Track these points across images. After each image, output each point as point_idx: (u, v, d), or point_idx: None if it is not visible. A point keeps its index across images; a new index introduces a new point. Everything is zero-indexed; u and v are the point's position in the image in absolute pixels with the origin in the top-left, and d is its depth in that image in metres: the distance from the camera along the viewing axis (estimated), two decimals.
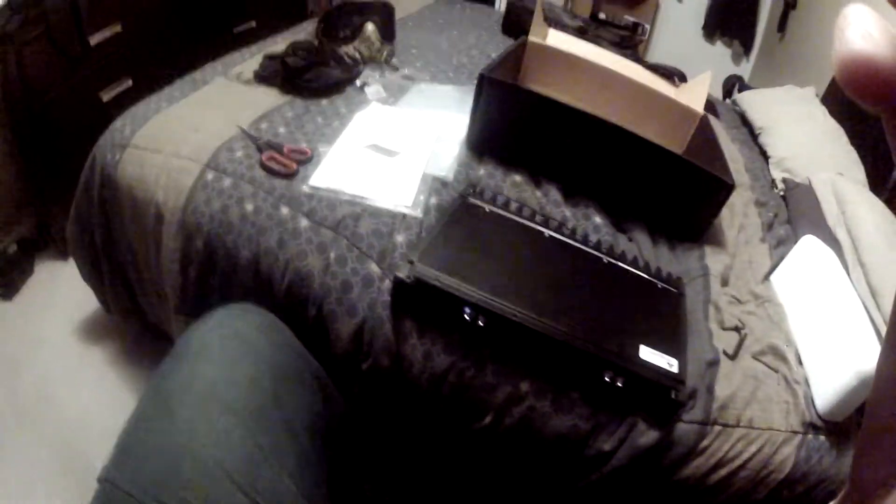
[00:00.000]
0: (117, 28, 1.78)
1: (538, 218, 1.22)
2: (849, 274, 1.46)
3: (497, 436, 1.07)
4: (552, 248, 1.15)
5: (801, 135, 2.03)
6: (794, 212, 1.68)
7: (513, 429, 1.05)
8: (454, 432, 1.10)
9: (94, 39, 1.72)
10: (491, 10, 2.62)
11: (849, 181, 1.74)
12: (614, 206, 1.35)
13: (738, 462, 1.12)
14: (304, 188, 1.19)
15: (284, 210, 1.17)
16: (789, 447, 1.18)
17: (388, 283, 1.06)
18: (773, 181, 1.89)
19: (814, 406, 1.21)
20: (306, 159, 1.27)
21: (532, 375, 1.04)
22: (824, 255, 1.35)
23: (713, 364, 1.12)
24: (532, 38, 1.43)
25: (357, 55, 1.58)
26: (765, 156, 2.03)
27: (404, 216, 1.15)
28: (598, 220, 1.31)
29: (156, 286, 1.33)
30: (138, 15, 1.84)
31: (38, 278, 1.74)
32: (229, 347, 0.67)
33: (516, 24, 2.17)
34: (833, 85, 2.26)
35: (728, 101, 2.63)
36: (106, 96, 1.79)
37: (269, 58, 1.57)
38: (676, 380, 0.99)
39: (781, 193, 1.83)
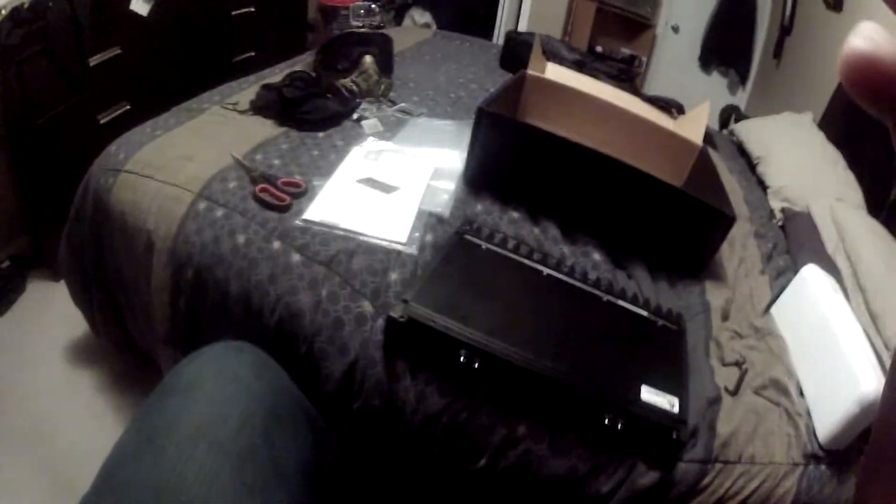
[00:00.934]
0: (117, 51, 1.79)
1: (536, 255, 1.20)
2: (849, 300, 1.45)
3: (493, 478, 1.05)
4: (550, 287, 1.13)
5: (798, 162, 2.03)
6: (794, 241, 1.68)
7: (509, 471, 1.03)
8: (449, 474, 1.08)
9: (94, 61, 1.73)
10: (489, 45, 2.61)
11: (847, 206, 1.74)
12: (613, 242, 1.34)
13: (739, 498, 1.10)
14: (298, 222, 1.18)
15: (276, 244, 1.15)
16: (791, 480, 1.16)
17: (381, 323, 1.05)
18: (771, 211, 1.88)
19: (815, 437, 1.20)
20: (300, 192, 1.25)
21: (529, 418, 1.02)
22: (824, 283, 1.34)
23: (715, 402, 1.10)
24: (531, 71, 1.43)
25: (355, 88, 1.57)
26: (763, 185, 2.02)
27: (399, 253, 1.13)
28: (597, 256, 1.30)
29: (145, 314, 1.31)
30: (138, 39, 1.85)
31: (30, 297, 1.73)
32: (222, 385, 0.66)
33: (515, 57, 2.15)
34: (830, 109, 2.26)
35: (725, 131, 2.63)
36: (103, 119, 1.80)
37: (266, 88, 1.57)
38: (678, 420, 0.97)
39: (780, 223, 1.83)
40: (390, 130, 1.52)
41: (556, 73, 1.63)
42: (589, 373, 0.97)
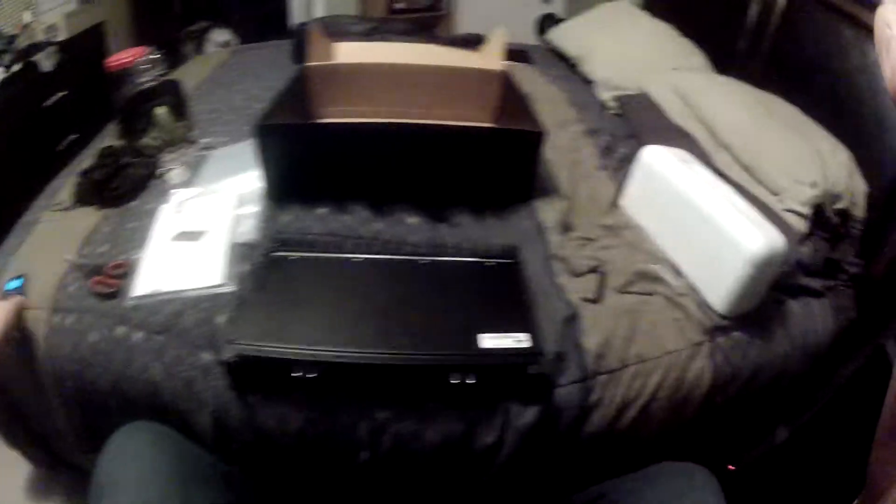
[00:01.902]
0: None
1: (349, 244, 1.16)
2: (711, 163, 1.42)
3: (382, 465, 1.02)
4: (365, 272, 1.10)
5: (622, 49, 2.00)
6: (635, 124, 1.65)
7: (392, 454, 1.00)
8: (344, 475, 1.05)
9: None
10: (284, 43, 2.40)
11: (686, 73, 1.71)
12: (429, 200, 1.29)
13: (643, 398, 1.08)
14: (129, 302, 1.15)
15: (120, 329, 1.12)
16: (699, 360, 1.14)
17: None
18: (602, 104, 1.84)
19: (711, 309, 1.17)
20: (126, 272, 1.22)
21: (384, 403, 0.99)
22: (668, 158, 1.30)
23: (571, 319, 1.07)
24: (310, 63, 1.38)
25: (156, 143, 1.53)
26: (589, 84, 1.98)
27: (218, 295, 1.10)
28: (412, 220, 1.24)
29: (58, 433, 1.29)
30: None
31: None
32: (132, 473, 0.72)
33: (303, 49, 2.03)
34: None
35: (541, 43, 2.58)
36: None
37: (82, 174, 1.52)
38: (530, 353, 0.94)
39: (616, 112, 1.79)
40: (196, 173, 1.47)
41: (346, 51, 1.58)
42: (422, 342, 0.93)
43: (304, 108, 1.35)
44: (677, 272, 1.22)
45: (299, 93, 1.35)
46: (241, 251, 1.17)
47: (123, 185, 1.40)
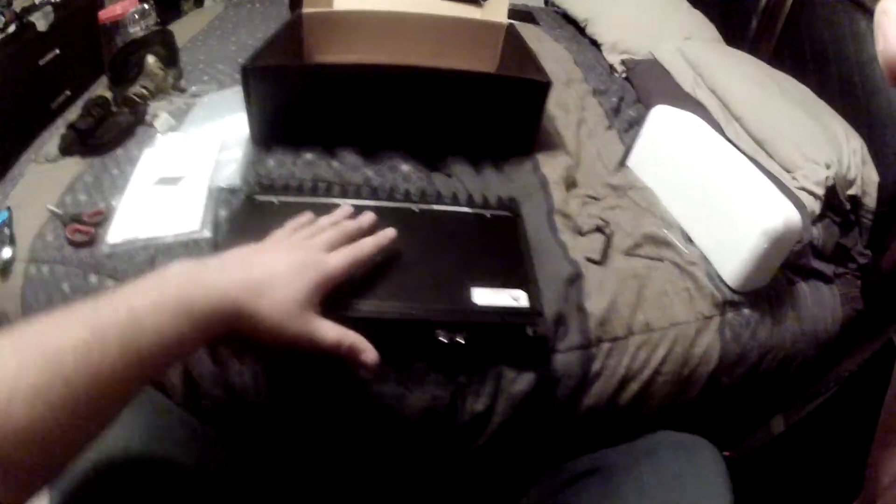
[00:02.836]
0: None
1: (335, 189, 1.07)
2: (723, 133, 1.35)
3: (362, 430, 0.94)
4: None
5: (631, 14, 1.92)
6: (643, 89, 1.56)
7: (373, 418, 0.91)
8: (320, 438, 0.97)
9: None
10: None
11: (698, 43, 1.63)
12: (425, 148, 1.20)
13: (648, 371, 1.00)
14: (104, 249, 1.09)
15: (93, 279, 1.05)
16: (708, 335, 1.06)
17: None
18: (611, 67, 1.77)
19: (723, 282, 1.10)
20: (102, 219, 1.16)
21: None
22: (684, 119, 1.22)
23: (575, 279, 0.98)
24: (307, 9, 1.31)
25: (144, 92, 1.46)
26: (597, 46, 1.91)
27: (196, 242, 1.02)
28: (405, 168, 1.15)
29: None
30: None
31: None
32: None
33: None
34: None
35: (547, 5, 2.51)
36: None
37: (70, 127, 1.47)
38: (528, 313, 0.83)
39: (624, 76, 1.71)
40: (182, 120, 1.39)
41: None
42: (408, 294, 0.83)
43: (295, 52, 1.28)
44: (688, 239, 1.15)
45: (292, 37, 1.28)
46: (222, 196, 1.10)
47: (108, 134, 1.34)
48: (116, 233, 1.10)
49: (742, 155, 1.15)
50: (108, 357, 0.49)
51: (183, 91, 1.51)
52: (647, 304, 1.02)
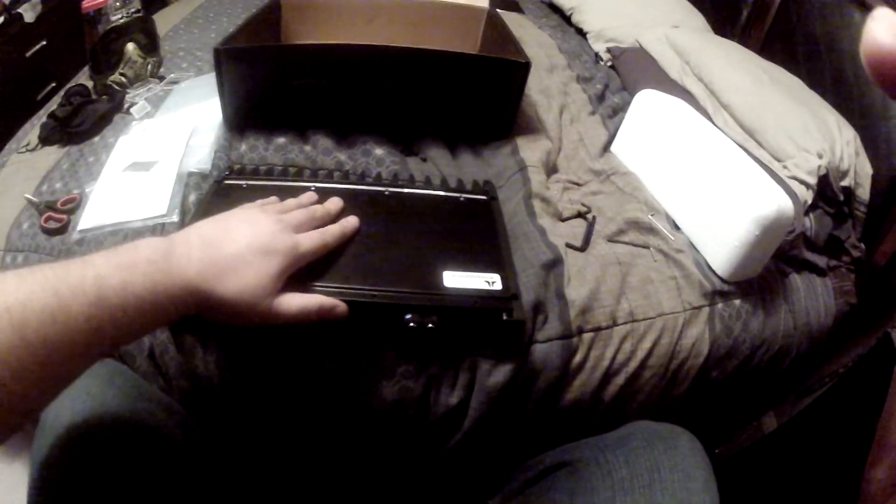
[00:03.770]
0: None
1: (306, 173, 1.04)
2: (711, 121, 1.31)
3: (329, 424, 0.89)
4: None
5: (619, 1, 1.89)
6: (628, 77, 1.53)
7: (340, 406, 0.86)
8: (288, 431, 0.93)
9: None
10: None
11: (686, 31, 1.60)
12: (399, 132, 1.16)
13: (633, 364, 0.95)
14: (75, 236, 1.06)
15: None
16: (697, 326, 1.02)
17: None
18: (596, 55, 1.74)
19: (711, 270, 1.06)
20: (75, 206, 1.14)
21: (333, 351, 0.84)
22: (670, 103, 1.18)
23: (554, 264, 0.93)
24: None
25: (123, 79, 1.43)
26: (583, 35, 1.88)
27: (163, 226, 0.99)
28: (379, 151, 1.11)
29: None
30: None
31: None
32: (80, 407, 0.67)
33: None
34: None
35: None
36: None
37: (49, 115, 1.45)
38: (503, 297, 0.79)
39: (609, 64, 1.69)
40: (158, 106, 1.37)
41: None
42: (376, 277, 0.79)
43: (273, 37, 1.24)
44: (674, 225, 1.11)
45: (269, 22, 1.24)
46: (192, 181, 1.07)
47: (87, 122, 1.32)
48: (87, 219, 1.07)
49: (731, 141, 1.11)
50: (70, 327, 0.50)
51: (162, 79, 1.49)
52: (631, 291, 0.98)
